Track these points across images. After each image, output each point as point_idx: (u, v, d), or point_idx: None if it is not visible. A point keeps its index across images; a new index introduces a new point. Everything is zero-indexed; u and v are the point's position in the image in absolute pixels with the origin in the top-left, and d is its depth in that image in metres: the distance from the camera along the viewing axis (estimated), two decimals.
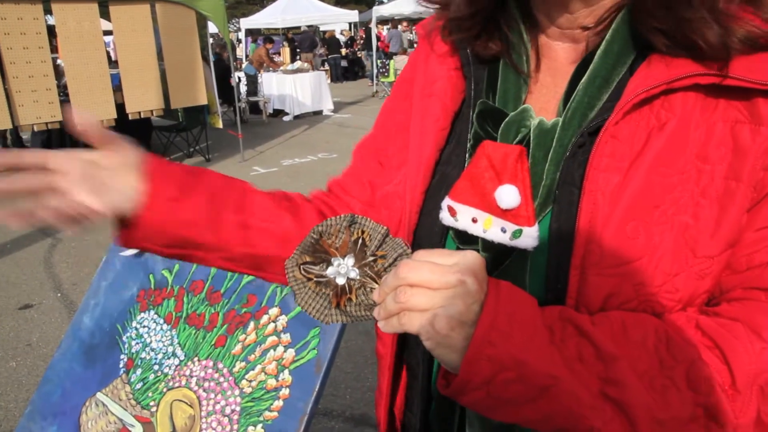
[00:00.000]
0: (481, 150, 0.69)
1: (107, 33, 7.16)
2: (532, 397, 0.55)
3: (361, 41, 19.67)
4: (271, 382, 1.31)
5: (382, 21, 15.79)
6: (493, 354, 0.54)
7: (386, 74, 14.33)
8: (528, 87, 0.73)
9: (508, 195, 0.65)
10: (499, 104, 0.72)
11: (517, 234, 0.65)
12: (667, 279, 0.60)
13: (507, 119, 0.70)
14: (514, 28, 0.73)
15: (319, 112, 12.01)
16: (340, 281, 0.65)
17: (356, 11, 19.49)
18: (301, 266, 0.66)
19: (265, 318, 1.39)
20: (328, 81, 14.09)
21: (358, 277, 0.64)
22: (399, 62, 13.75)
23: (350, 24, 20.87)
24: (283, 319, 1.36)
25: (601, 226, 0.60)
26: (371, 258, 0.65)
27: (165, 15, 6.77)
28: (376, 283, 0.63)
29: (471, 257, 0.57)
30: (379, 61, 14.71)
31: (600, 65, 0.66)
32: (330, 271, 0.65)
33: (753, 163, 0.58)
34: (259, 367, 1.34)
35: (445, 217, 0.70)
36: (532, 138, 0.67)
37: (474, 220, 0.68)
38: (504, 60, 0.74)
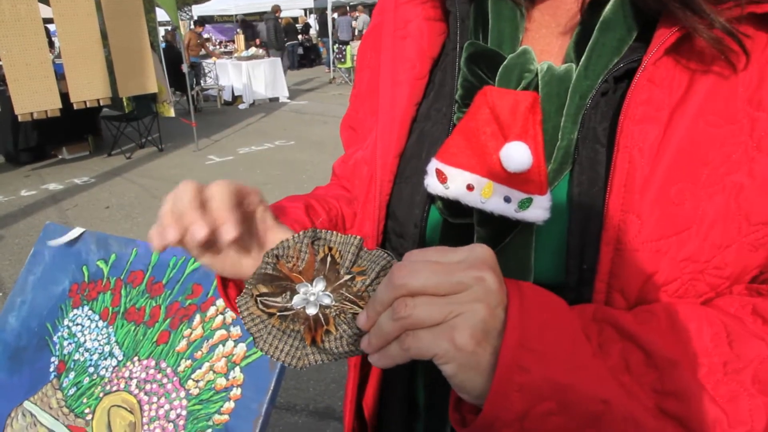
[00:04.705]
0: (481, 98, 0.55)
1: (50, 21, 6.80)
2: (577, 430, 0.43)
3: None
4: (221, 382, 1.17)
5: (338, 6, 15.52)
6: (526, 382, 0.41)
7: (343, 60, 14.11)
8: (525, 25, 0.60)
9: (518, 153, 0.51)
10: (493, 46, 0.59)
11: (524, 204, 0.52)
12: (716, 252, 0.48)
13: (506, 63, 0.56)
14: None
15: (275, 99, 11.74)
16: (312, 311, 0.50)
17: None
18: (258, 299, 0.52)
19: (212, 310, 1.25)
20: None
21: (333, 303, 0.50)
22: (356, 48, 13.54)
23: (305, 10, 20.53)
24: (232, 311, 1.22)
25: (640, 189, 0.48)
26: (347, 276, 0.50)
27: None
28: (359, 306, 0.49)
29: (481, 251, 0.44)
30: (335, 47, 14.46)
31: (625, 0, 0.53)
32: (296, 301, 0.51)
33: None
34: (206, 365, 1.20)
35: (431, 183, 0.57)
36: (540, 86, 0.54)
37: (470, 188, 0.54)
38: None
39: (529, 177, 0.52)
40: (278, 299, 0.52)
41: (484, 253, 0.44)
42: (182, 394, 1.20)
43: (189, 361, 1.22)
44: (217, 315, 1.24)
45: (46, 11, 6.29)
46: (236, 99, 11.61)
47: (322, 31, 17.40)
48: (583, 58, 0.54)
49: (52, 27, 7.88)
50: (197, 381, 1.19)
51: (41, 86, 6.02)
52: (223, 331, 1.22)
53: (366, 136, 0.70)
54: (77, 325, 1.38)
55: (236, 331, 1.21)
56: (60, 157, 7.75)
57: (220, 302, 1.25)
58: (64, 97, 6.19)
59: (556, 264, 0.53)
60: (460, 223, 0.58)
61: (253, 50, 12.44)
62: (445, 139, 0.58)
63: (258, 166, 7.03)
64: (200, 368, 1.20)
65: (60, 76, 6.30)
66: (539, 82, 0.55)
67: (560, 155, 0.53)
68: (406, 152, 0.63)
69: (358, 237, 0.52)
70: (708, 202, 0.48)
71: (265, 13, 18.06)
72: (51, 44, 7.33)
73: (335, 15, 14.78)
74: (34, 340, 1.42)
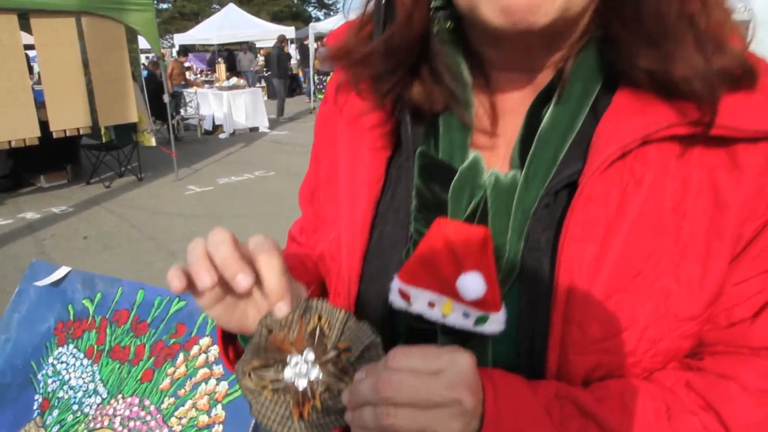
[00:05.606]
0: (436, 229, 0.59)
1: (30, 47, 6.82)
2: None
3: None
4: (203, 419, 1.22)
5: (320, 38, 15.76)
6: None
7: (323, 91, 14.26)
8: (473, 130, 0.64)
9: (473, 285, 0.56)
10: (444, 155, 0.63)
11: (481, 320, 0.57)
12: (651, 346, 0.55)
13: (457, 178, 0.61)
14: (453, 69, 0.62)
15: (255, 129, 11.82)
16: (301, 384, 0.56)
17: (293, 27, 19.45)
18: (252, 373, 0.56)
19: (195, 349, 1.29)
20: (265, 98, 13.91)
21: (321, 377, 0.55)
22: None
23: (287, 40, 20.75)
24: (215, 350, 1.27)
25: (580, 302, 0.54)
26: (333, 353, 0.55)
27: (92, 28, 6.50)
28: (343, 382, 0.55)
29: (462, 363, 0.50)
30: (316, 77, 14.64)
31: (561, 111, 0.58)
32: (288, 374, 0.56)
33: (735, 218, 0.54)
34: (189, 403, 1.24)
35: (396, 300, 0.61)
36: (490, 203, 0.60)
37: (431, 305, 0.59)
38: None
39: (484, 300, 0.56)
40: (270, 371, 0.57)
41: (463, 368, 0.49)
42: (165, 431, 1.24)
43: (172, 399, 1.26)
44: (200, 354, 1.28)
45: (27, 38, 6.33)
46: (217, 128, 11.67)
47: (303, 61, 17.61)
48: (523, 171, 0.59)
49: (31, 53, 7.90)
50: (180, 418, 1.24)
51: (21, 114, 6.02)
52: (205, 370, 1.26)
53: (327, 225, 0.73)
54: (62, 362, 1.42)
55: (219, 369, 1.26)
56: (38, 185, 7.70)
57: (204, 341, 1.30)
58: (43, 124, 6.19)
59: (510, 362, 0.58)
60: (425, 328, 0.62)
61: (234, 80, 12.55)
62: (403, 244, 0.63)
63: (238, 196, 7.06)
64: (183, 406, 1.25)
65: (39, 104, 6.31)
66: (488, 198, 0.60)
67: (508, 266, 0.58)
68: (368, 253, 0.66)
69: (345, 311, 0.57)
70: (641, 307, 0.54)
71: (245, 43, 18.26)
72: (30, 70, 7.32)
73: (316, 45, 14.99)
74: (18, 378, 1.44)
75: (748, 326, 0.57)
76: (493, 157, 0.63)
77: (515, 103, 0.63)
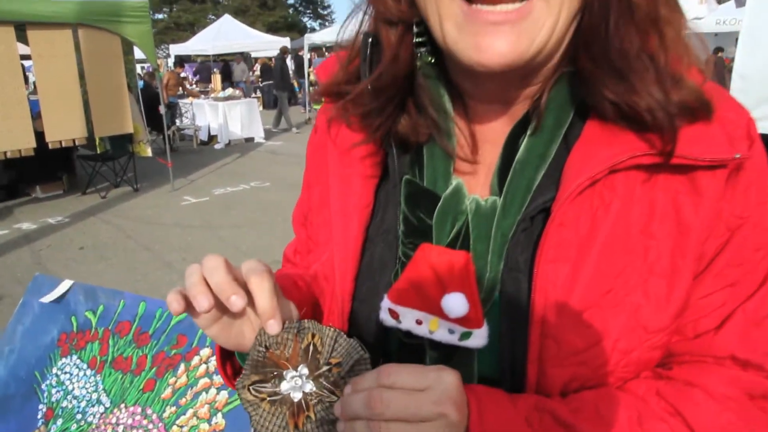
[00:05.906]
0: (421, 255, 0.64)
1: (27, 57, 6.86)
2: None
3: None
4: (204, 427, 1.26)
5: (314, 48, 15.86)
6: None
7: (319, 101, 14.31)
8: (456, 158, 0.68)
9: (456, 305, 0.61)
10: (428, 183, 0.67)
11: (465, 336, 0.62)
12: (622, 357, 0.60)
13: (441, 205, 0.66)
14: (436, 101, 0.67)
15: (250, 140, 11.87)
16: (296, 396, 0.61)
17: (288, 38, 19.55)
18: (251, 388, 0.62)
19: (196, 359, 1.33)
20: (261, 108, 13.96)
21: (314, 390, 0.61)
22: None
23: (289, 51, 20.86)
24: (215, 360, 1.31)
25: (555, 318, 0.58)
26: (325, 367, 0.61)
27: (88, 40, 6.56)
28: (335, 395, 0.60)
29: (447, 380, 0.55)
30: (311, 87, 14.70)
31: (536, 141, 0.63)
32: (284, 387, 0.61)
33: (696, 239, 0.59)
34: (190, 412, 1.28)
35: (386, 318, 0.66)
36: (471, 228, 0.64)
37: (419, 322, 0.64)
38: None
39: (467, 317, 0.61)
40: (268, 385, 0.62)
41: (449, 384, 0.55)
42: None
43: (174, 408, 1.30)
44: (200, 364, 1.33)
45: (22, 48, 6.36)
46: (212, 139, 11.71)
47: (299, 72, 17.69)
48: (501, 197, 0.63)
49: (26, 63, 7.93)
50: (182, 426, 1.27)
51: (17, 126, 6.05)
52: (206, 380, 1.30)
53: (320, 248, 0.77)
54: (65, 373, 1.46)
55: (219, 379, 1.30)
56: (33, 195, 7.71)
57: (204, 352, 1.34)
58: (39, 135, 6.21)
59: (493, 374, 0.63)
60: (415, 343, 0.67)
61: (230, 91, 12.60)
62: (392, 266, 0.68)
63: (234, 207, 7.09)
64: (184, 414, 1.29)
65: (35, 115, 6.33)
66: (469, 223, 0.64)
67: (489, 285, 0.62)
68: (360, 274, 0.70)
69: (335, 329, 0.62)
70: (613, 321, 0.58)
71: (240, 53, 18.33)
72: (26, 80, 7.36)
73: (311, 55, 15.05)
74: (22, 388, 1.48)
75: (712, 337, 0.62)
76: (474, 183, 0.68)
77: (494, 133, 0.67)
